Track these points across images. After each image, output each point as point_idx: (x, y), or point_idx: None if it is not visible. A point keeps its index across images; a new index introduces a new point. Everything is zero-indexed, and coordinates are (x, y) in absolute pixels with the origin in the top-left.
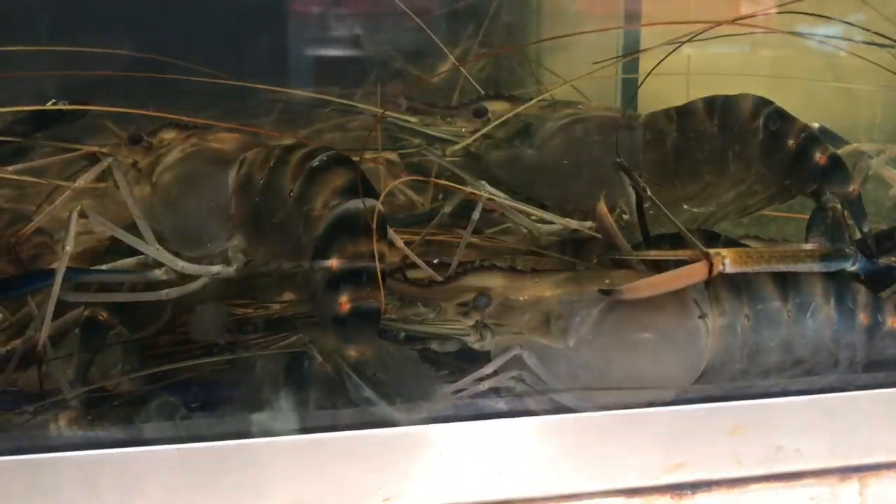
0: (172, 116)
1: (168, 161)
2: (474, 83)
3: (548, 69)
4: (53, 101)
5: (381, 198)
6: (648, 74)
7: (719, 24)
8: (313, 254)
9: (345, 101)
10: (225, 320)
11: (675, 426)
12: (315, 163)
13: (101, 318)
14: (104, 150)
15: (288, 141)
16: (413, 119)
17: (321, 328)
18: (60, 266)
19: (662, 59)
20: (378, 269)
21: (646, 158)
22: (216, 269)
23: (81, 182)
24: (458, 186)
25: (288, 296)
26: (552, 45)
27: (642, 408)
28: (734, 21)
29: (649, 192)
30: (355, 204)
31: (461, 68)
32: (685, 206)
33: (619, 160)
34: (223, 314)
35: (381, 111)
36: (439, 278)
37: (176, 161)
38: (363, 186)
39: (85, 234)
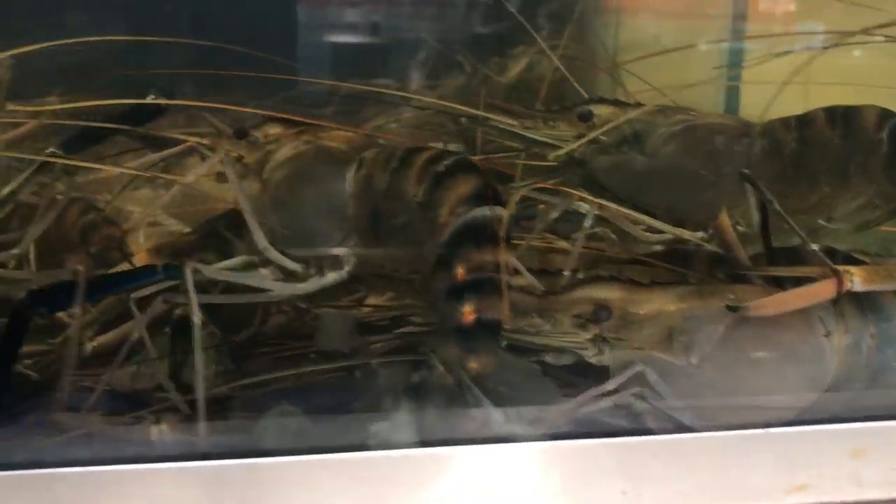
0: (283, 115)
1: (280, 158)
2: (576, 85)
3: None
4: (152, 95)
5: (511, 206)
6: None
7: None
8: (437, 261)
9: (439, 103)
10: (351, 328)
11: (797, 447)
12: (441, 167)
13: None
14: (209, 142)
15: (409, 144)
16: (513, 122)
17: (442, 336)
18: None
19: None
20: (504, 280)
21: (763, 168)
22: (331, 276)
23: (191, 177)
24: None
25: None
26: (631, 44)
27: (763, 427)
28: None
29: (777, 205)
30: (482, 212)
31: (559, 65)
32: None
33: (745, 171)
34: (349, 322)
35: (481, 114)
36: (541, 287)
37: (289, 159)
38: (490, 193)
39: (156, 226)
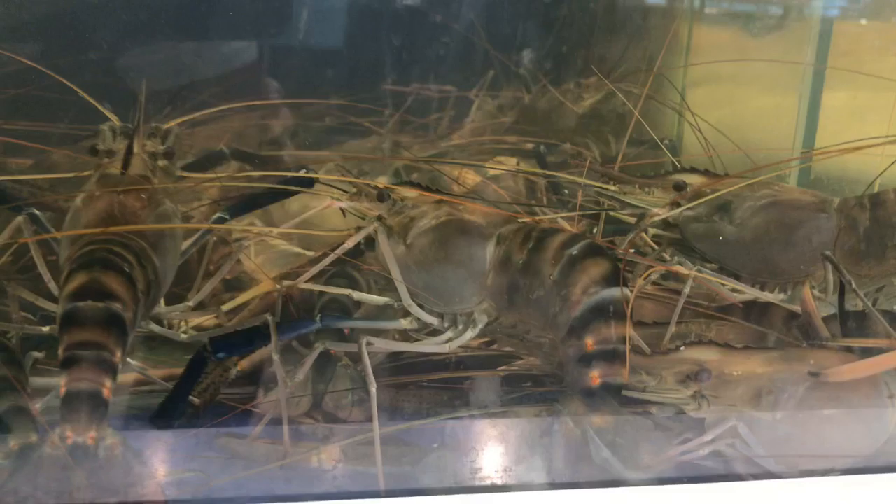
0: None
1: (423, 226)
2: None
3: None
4: (304, 169)
5: (638, 285)
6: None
7: None
8: (568, 331)
9: (548, 173)
10: (499, 389)
11: (860, 491)
12: (574, 251)
13: (331, 351)
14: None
15: (544, 225)
16: (613, 187)
17: (569, 394)
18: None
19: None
20: (628, 352)
21: (839, 242)
22: (468, 335)
23: (350, 243)
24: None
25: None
26: (695, 76)
27: (833, 474)
28: None
29: (854, 286)
30: (611, 293)
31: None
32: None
33: (827, 253)
34: (497, 384)
35: (584, 181)
36: (649, 350)
37: (432, 228)
38: (616, 276)
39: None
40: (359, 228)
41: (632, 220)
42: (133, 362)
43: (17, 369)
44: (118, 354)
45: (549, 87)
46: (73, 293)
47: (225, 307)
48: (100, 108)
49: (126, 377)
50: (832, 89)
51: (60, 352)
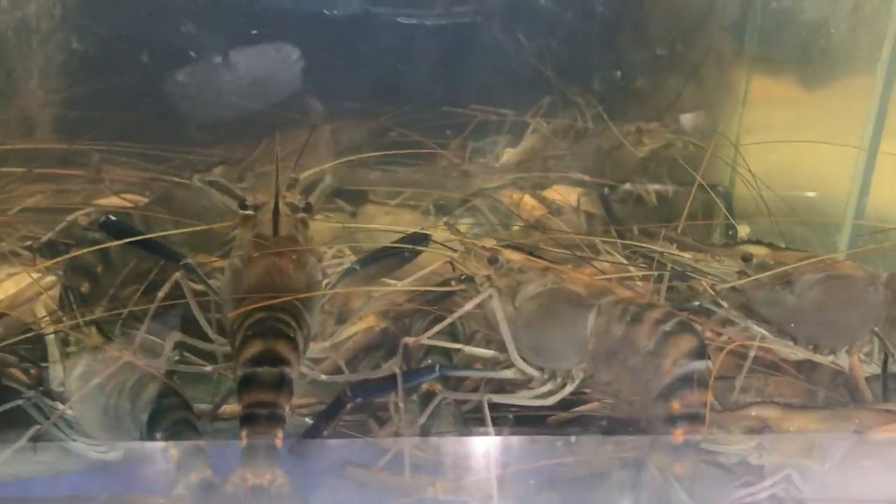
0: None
1: (531, 292)
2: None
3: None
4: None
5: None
6: None
7: None
8: (658, 394)
9: (628, 242)
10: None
11: None
12: (667, 327)
13: (437, 391)
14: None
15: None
16: (686, 255)
17: (655, 447)
18: None
19: None
20: (707, 413)
21: (887, 314)
22: (568, 389)
23: (469, 307)
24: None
25: None
26: (749, 124)
27: None
28: None
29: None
30: (699, 366)
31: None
32: None
33: (875, 329)
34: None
35: (660, 248)
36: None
37: (538, 294)
38: (702, 351)
39: None
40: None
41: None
42: None
43: (189, 410)
44: (287, 408)
45: (612, 127)
46: (251, 359)
47: (328, 342)
48: None
49: None
50: (891, 140)
51: (241, 408)
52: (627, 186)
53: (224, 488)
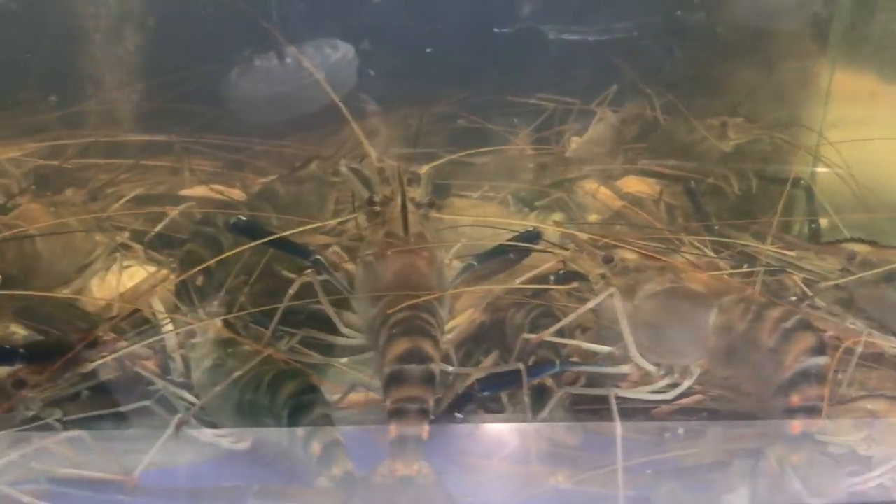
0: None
1: (649, 290)
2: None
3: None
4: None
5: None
6: None
7: None
8: (777, 389)
9: (732, 240)
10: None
11: None
12: (788, 325)
13: (550, 385)
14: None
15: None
16: (791, 254)
17: (772, 438)
18: None
19: None
20: (825, 406)
21: None
22: (685, 384)
23: (590, 305)
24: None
25: None
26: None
27: None
28: None
29: None
30: (818, 362)
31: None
32: None
33: None
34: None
35: (766, 247)
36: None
37: (658, 293)
38: (821, 347)
39: None
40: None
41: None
42: None
43: (328, 405)
44: (431, 402)
45: (694, 122)
46: (399, 357)
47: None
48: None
49: None
50: None
51: (389, 403)
52: (710, 181)
53: (369, 480)
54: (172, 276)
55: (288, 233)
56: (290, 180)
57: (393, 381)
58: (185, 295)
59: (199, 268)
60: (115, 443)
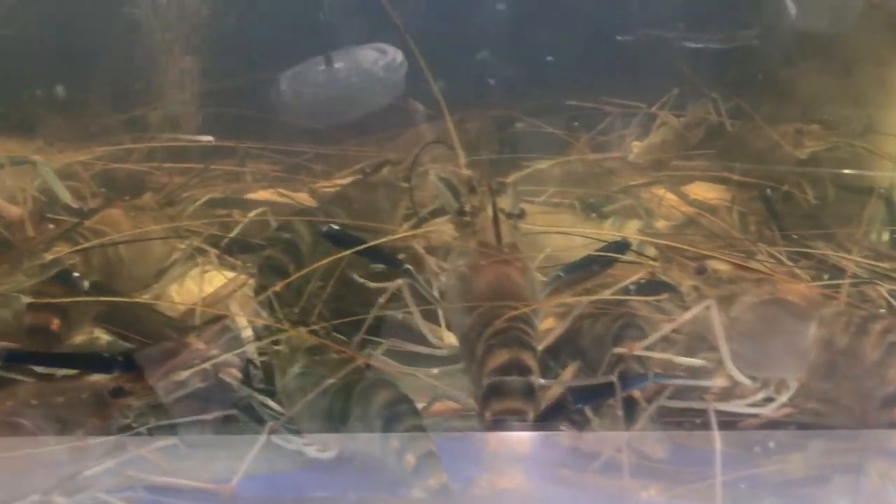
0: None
1: (746, 302)
2: None
3: None
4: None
5: None
6: None
7: None
8: (881, 403)
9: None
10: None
11: None
12: (893, 338)
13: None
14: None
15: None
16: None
17: (874, 453)
18: None
19: None
20: None
21: None
22: (783, 397)
23: (687, 316)
24: None
25: None
26: None
27: None
28: None
29: None
30: None
31: None
32: None
33: None
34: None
35: (855, 258)
36: None
37: (756, 305)
38: None
39: None
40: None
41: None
42: None
43: (420, 416)
44: (532, 414)
45: (766, 128)
46: (499, 368)
47: None
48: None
49: None
50: None
51: (488, 415)
52: (784, 188)
53: (467, 492)
54: (251, 282)
55: (380, 241)
56: (362, 185)
57: (492, 392)
58: (266, 301)
59: (295, 276)
60: (198, 450)
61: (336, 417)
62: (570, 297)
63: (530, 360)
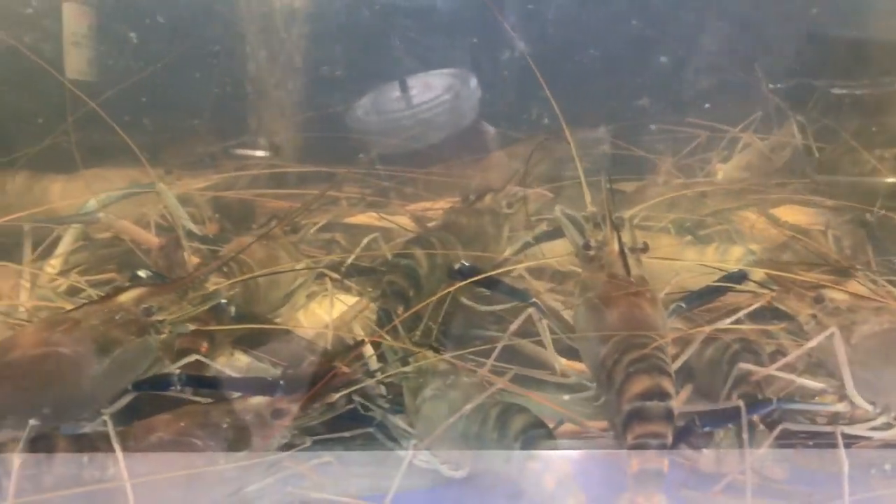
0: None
1: (867, 331)
2: None
3: None
4: None
5: None
6: None
7: None
8: None
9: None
10: None
11: None
12: None
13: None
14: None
15: None
16: None
17: None
18: None
19: None
20: None
21: None
22: None
23: (811, 344)
24: None
25: None
26: None
27: None
28: None
29: None
30: None
31: None
32: None
33: None
34: None
35: None
36: None
37: (878, 333)
38: None
39: None
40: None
41: None
42: None
43: (555, 440)
44: (671, 438)
45: (862, 151)
46: (640, 394)
47: None
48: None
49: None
50: None
51: (630, 438)
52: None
53: None
54: (372, 306)
55: (501, 270)
56: (468, 212)
57: (634, 417)
58: (389, 324)
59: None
60: (331, 467)
61: (472, 439)
62: (689, 324)
63: (669, 386)
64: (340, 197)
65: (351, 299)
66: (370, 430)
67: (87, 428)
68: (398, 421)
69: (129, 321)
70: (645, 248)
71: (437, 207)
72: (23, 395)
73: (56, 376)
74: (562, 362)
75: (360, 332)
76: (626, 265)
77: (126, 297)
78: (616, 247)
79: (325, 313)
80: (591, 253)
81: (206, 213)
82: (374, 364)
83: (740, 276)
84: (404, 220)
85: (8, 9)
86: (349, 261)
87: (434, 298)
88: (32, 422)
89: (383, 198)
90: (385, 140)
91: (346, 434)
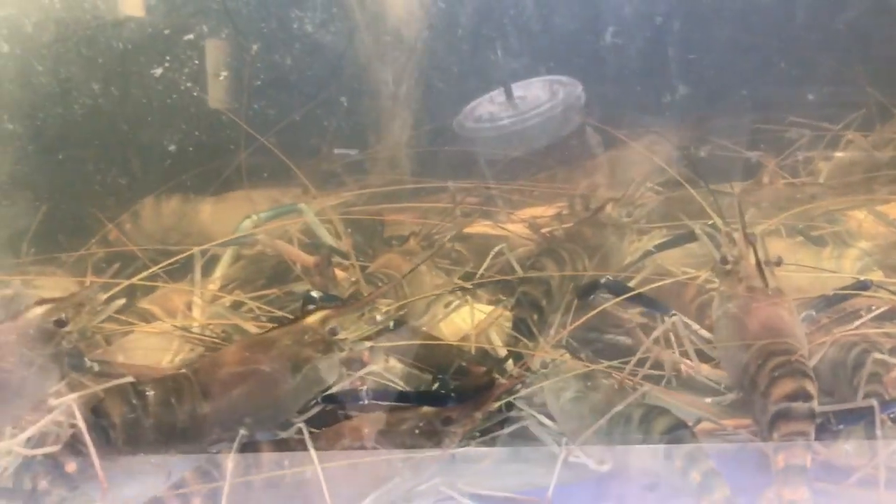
0: None
1: None
2: None
3: None
4: None
5: None
6: None
7: None
8: None
9: None
10: None
11: None
12: None
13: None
14: None
15: None
16: None
17: None
18: None
19: None
20: None
21: None
22: None
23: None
24: None
25: None
26: None
27: None
28: None
29: None
30: None
31: None
32: None
33: None
34: None
35: None
36: None
37: None
38: None
39: None
40: None
41: None
42: None
43: (697, 439)
44: (813, 436)
45: None
46: (786, 396)
47: None
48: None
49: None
50: None
51: (776, 437)
52: None
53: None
54: (507, 314)
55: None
56: (590, 223)
57: (780, 417)
58: (526, 331)
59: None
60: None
61: (617, 441)
62: (818, 329)
63: (812, 389)
64: (456, 207)
65: (485, 307)
66: (525, 424)
67: (283, 435)
68: (545, 420)
69: (316, 340)
70: (779, 262)
71: (547, 215)
72: (233, 407)
73: (259, 391)
74: (704, 368)
75: (497, 341)
76: (764, 278)
77: (313, 319)
78: (752, 260)
79: (464, 322)
80: (728, 267)
81: (341, 228)
82: (515, 371)
83: (865, 286)
84: (518, 228)
85: (166, 48)
86: (480, 271)
87: (593, 313)
88: (243, 431)
89: (493, 206)
90: (486, 148)
91: (503, 432)
